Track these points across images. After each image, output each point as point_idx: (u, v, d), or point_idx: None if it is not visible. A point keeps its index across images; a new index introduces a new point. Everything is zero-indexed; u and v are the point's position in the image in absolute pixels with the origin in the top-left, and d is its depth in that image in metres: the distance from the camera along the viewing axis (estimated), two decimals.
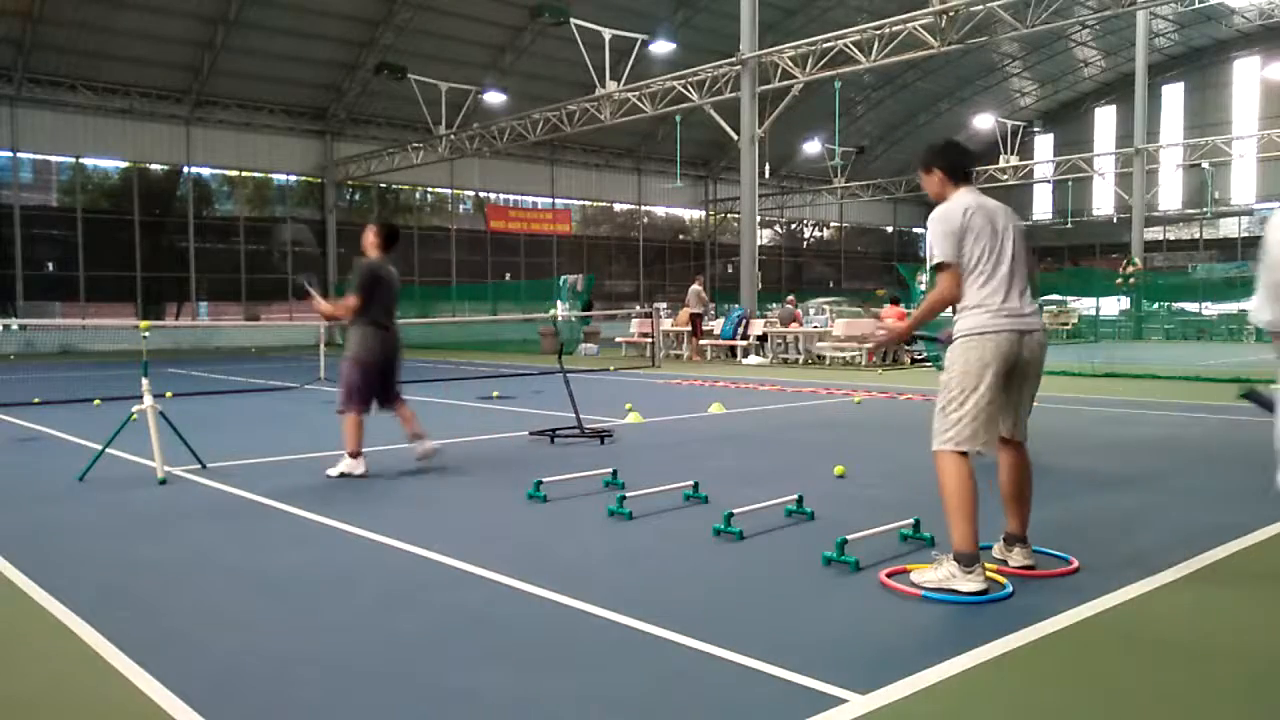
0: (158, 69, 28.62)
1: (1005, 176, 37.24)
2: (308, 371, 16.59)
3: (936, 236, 4.03)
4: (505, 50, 31.97)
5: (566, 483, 6.03)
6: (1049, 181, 44.69)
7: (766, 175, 33.04)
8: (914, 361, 17.87)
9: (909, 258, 52.15)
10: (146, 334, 7.23)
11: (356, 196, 35.47)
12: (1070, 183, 40.39)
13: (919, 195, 43.16)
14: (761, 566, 4.31)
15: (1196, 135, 38.35)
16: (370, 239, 6.94)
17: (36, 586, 4.03)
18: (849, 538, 4.31)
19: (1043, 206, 48.69)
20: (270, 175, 33.02)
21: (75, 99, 27.96)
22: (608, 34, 22.98)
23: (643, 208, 42.78)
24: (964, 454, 3.92)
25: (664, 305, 24.05)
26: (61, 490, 6.22)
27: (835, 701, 2.79)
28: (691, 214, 45.42)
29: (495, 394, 12.70)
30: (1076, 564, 4.18)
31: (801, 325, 19.74)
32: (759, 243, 23.85)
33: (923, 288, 24.71)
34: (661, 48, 26.84)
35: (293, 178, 33.34)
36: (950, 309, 4.11)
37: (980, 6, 18.20)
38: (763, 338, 19.83)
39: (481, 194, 37.71)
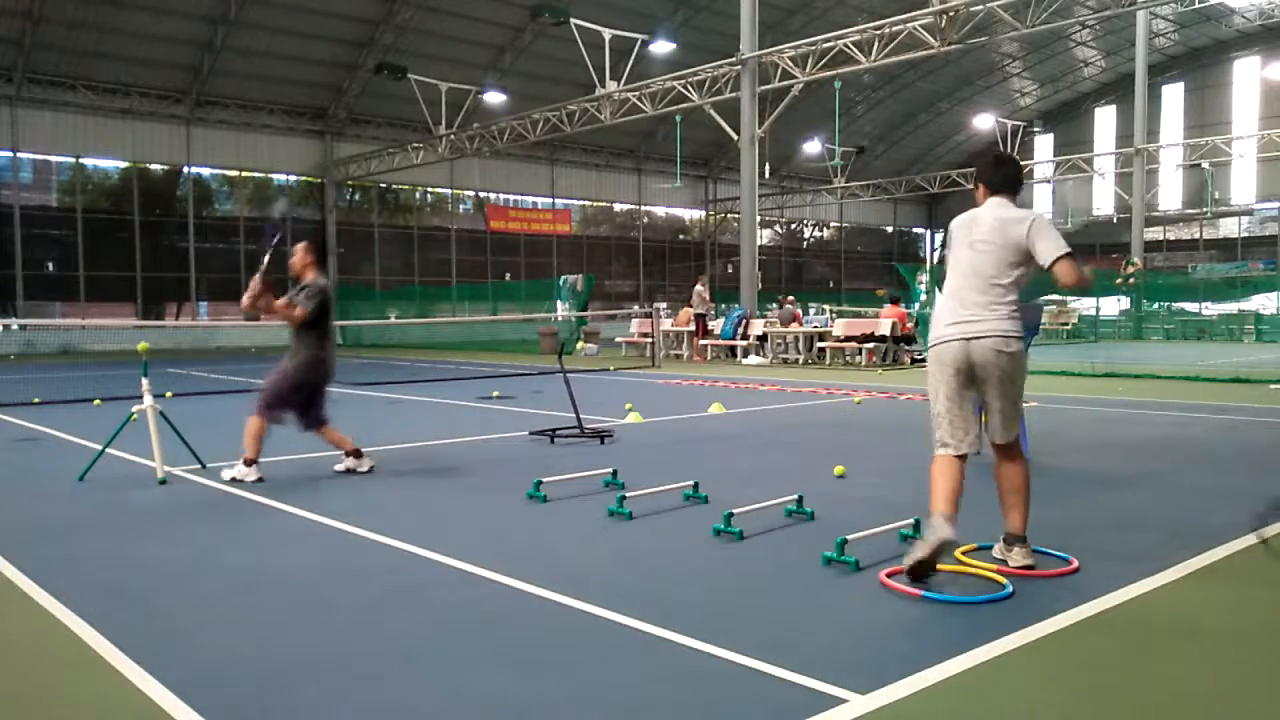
0: (158, 69, 28.64)
1: None
2: None
3: None
4: (505, 50, 31.99)
5: (566, 483, 6.03)
6: (1049, 181, 44.71)
7: (766, 175, 33.04)
8: (914, 361, 17.88)
9: (909, 258, 52.21)
10: (145, 356, 6.99)
11: (356, 196, 35.47)
12: (1070, 183, 40.38)
13: (919, 195, 43.34)
14: (761, 566, 4.30)
15: (1196, 135, 38.38)
16: (306, 259, 6.62)
17: (36, 586, 4.03)
18: (849, 538, 4.31)
19: (1043, 206, 48.68)
20: (270, 175, 33.04)
21: (75, 99, 27.97)
22: (608, 34, 22.98)
23: (643, 208, 42.79)
24: (951, 456, 4.10)
25: (664, 305, 24.05)
26: (61, 490, 6.22)
27: (835, 701, 2.79)
28: (691, 214, 45.44)
29: (495, 394, 12.70)
30: (1076, 564, 4.18)
31: (801, 325, 19.76)
32: (759, 243, 23.85)
33: (923, 288, 24.73)
34: (661, 48, 26.85)
35: (293, 178, 33.35)
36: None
37: (980, 6, 18.21)
38: (763, 338, 19.83)
39: (481, 194, 37.72)
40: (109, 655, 3.22)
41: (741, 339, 20.12)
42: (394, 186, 36.06)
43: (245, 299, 6.45)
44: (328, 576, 4.21)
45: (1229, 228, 43.68)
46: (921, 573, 3.85)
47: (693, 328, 21.54)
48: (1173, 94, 42.51)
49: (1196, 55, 41.55)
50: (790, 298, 23.59)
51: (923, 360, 17.39)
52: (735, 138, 21.65)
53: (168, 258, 30.91)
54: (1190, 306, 31.69)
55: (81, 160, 29.43)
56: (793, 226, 49.92)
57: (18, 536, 4.95)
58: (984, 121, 38.48)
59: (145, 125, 29.56)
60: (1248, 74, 40.46)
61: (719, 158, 41.99)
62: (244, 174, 32.58)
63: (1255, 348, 23.44)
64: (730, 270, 40.36)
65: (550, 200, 39.41)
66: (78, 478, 6.44)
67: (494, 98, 30.31)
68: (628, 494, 5.43)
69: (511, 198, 38.58)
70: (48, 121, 27.95)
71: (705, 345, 20.82)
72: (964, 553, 4.32)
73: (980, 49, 30.12)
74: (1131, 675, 3.06)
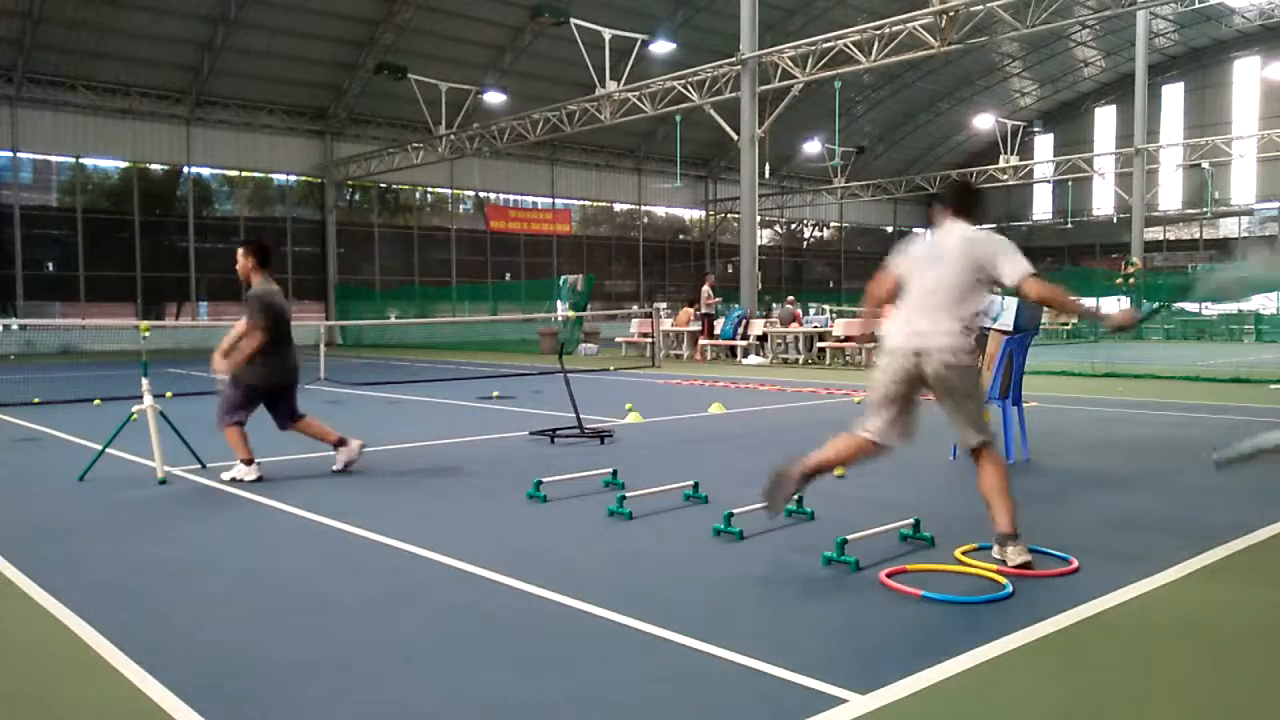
0: (158, 69, 28.62)
1: (1005, 176, 37.25)
2: (308, 371, 16.53)
3: None
4: (505, 50, 31.98)
5: (566, 483, 6.03)
6: (1049, 181, 44.68)
7: (766, 175, 33.04)
8: None
9: None
10: (146, 335, 7.20)
11: (356, 196, 35.47)
12: (1070, 183, 40.38)
13: (919, 195, 43.27)
14: (761, 566, 4.30)
15: (1196, 135, 38.35)
16: (247, 263, 6.48)
17: (36, 586, 4.03)
18: (849, 538, 4.31)
19: (1043, 206, 48.71)
20: (270, 175, 33.04)
21: (75, 99, 27.95)
22: (608, 34, 22.97)
23: (643, 208, 42.78)
24: (866, 438, 4.37)
25: (664, 305, 24.05)
26: (61, 490, 6.22)
27: (835, 701, 2.79)
28: (691, 214, 45.43)
29: (495, 394, 12.70)
30: (1076, 564, 4.18)
31: (801, 325, 19.76)
32: (759, 243, 23.85)
33: None
34: (661, 48, 26.83)
35: (293, 178, 33.34)
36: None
37: (980, 6, 18.20)
38: (763, 338, 19.83)
39: (481, 194, 37.70)
40: (109, 655, 3.22)
41: (741, 339, 20.13)
42: (394, 186, 36.05)
43: (216, 362, 6.37)
44: (328, 576, 4.21)
45: (1229, 228, 43.66)
46: (775, 500, 4.44)
47: (693, 328, 21.54)
48: (1173, 94, 42.51)
49: (1196, 55, 41.55)
50: (790, 298, 23.61)
51: None
52: (735, 138, 21.65)
53: (168, 258, 30.89)
54: (1190, 306, 31.67)
55: (81, 160, 29.40)
56: (793, 226, 49.90)
57: (18, 536, 4.95)
58: (984, 121, 38.44)
59: (145, 125, 29.54)
60: (1248, 74, 40.46)
61: (719, 158, 41.97)
62: (244, 174, 32.56)
63: (1255, 348, 23.44)
64: (730, 270, 40.34)
65: (550, 200, 39.41)
66: (78, 478, 6.44)
67: (494, 98, 30.29)
68: (628, 494, 5.43)
69: (511, 198, 38.57)
70: (48, 121, 27.93)
71: (705, 345, 20.83)
72: (964, 553, 4.33)
73: (980, 49, 30.11)
74: (1131, 675, 3.06)
